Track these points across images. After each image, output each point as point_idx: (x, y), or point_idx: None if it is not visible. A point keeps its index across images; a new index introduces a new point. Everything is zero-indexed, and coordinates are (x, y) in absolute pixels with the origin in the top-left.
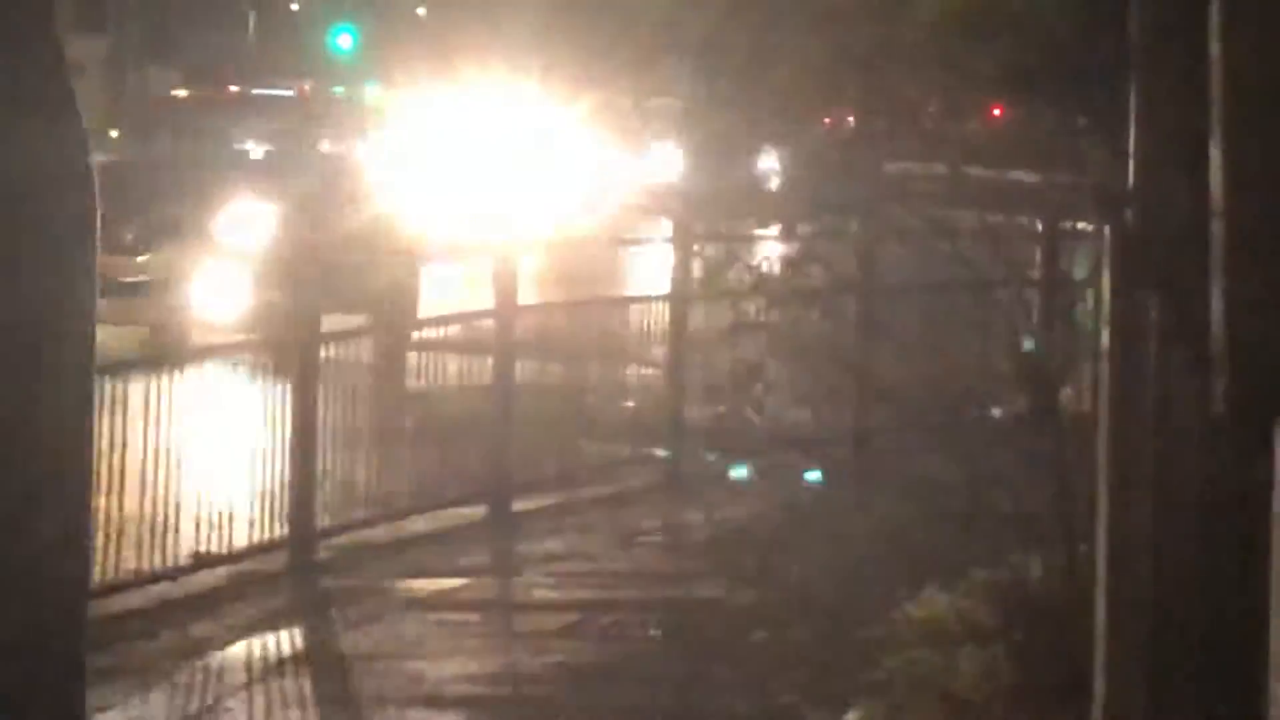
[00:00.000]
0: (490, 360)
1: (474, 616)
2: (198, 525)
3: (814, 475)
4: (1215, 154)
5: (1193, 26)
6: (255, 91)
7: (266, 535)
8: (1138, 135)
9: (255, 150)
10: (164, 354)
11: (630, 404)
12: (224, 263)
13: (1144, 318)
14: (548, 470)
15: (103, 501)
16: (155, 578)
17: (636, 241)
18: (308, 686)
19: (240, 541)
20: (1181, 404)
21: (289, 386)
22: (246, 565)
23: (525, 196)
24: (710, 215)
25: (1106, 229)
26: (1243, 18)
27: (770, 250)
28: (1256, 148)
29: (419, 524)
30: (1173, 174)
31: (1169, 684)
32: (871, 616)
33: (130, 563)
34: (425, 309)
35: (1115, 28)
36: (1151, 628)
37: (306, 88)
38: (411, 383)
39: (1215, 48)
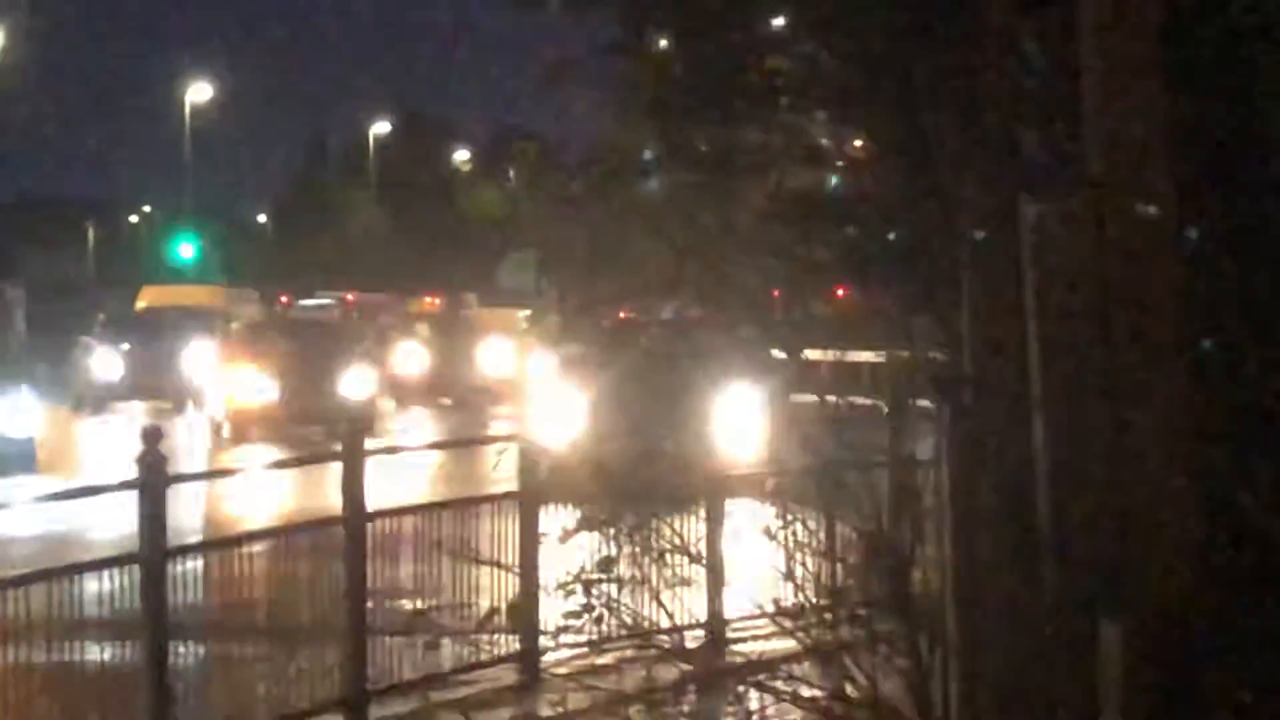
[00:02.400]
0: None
1: None
2: None
3: None
4: (1031, 353)
5: (1015, 221)
6: None
7: None
8: (969, 322)
9: None
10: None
11: (486, 603)
12: None
13: (980, 501)
14: (405, 674)
15: None
16: None
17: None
18: None
19: None
20: (1014, 588)
21: (138, 604)
22: None
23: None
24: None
25: (944, 411)
26: (1046, 243)
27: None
28: (1066, 342)
29: None
30: (1002, 362)
31: None
32: None
33: None
34: (279, 513)
35: (944, 215)
36: None
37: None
38: (262, 590)
39: (1026, 269)
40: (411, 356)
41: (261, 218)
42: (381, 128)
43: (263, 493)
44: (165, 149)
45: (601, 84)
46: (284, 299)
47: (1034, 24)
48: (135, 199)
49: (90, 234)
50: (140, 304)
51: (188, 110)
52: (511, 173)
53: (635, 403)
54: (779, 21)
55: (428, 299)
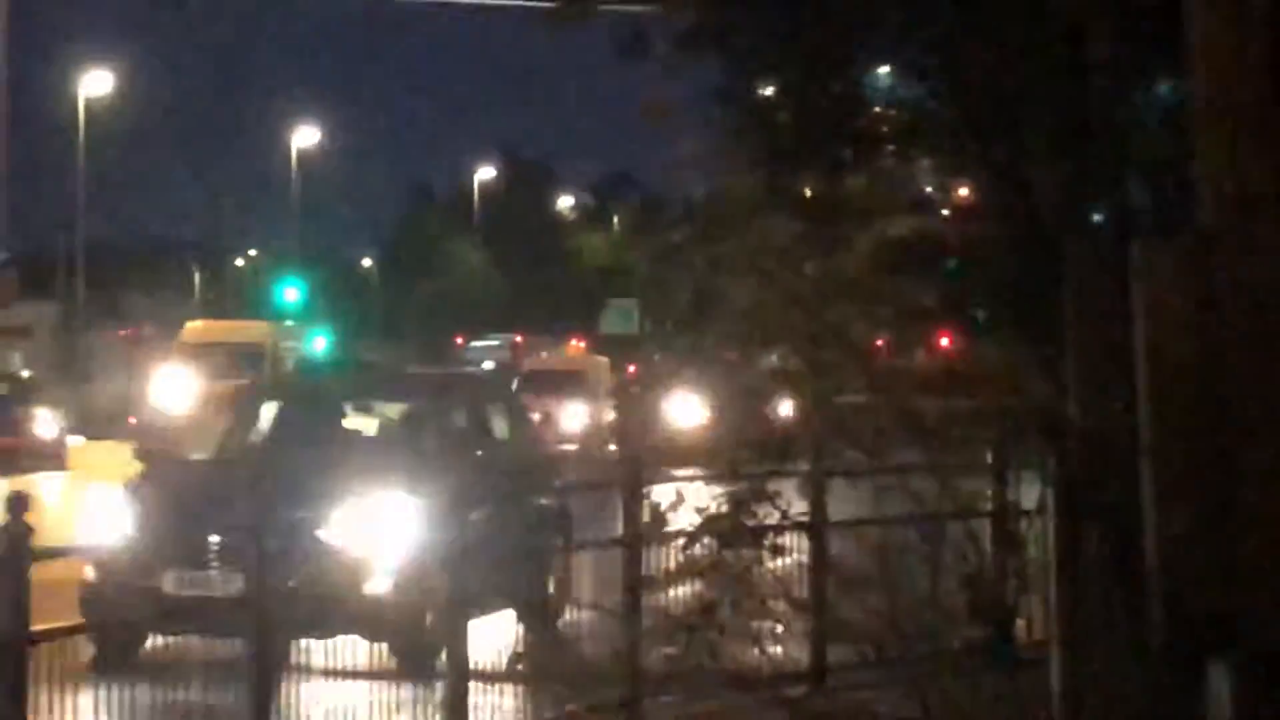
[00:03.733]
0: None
1: None
2: None
3: None
4: (1140, 399)
5: (1122, 268)
6: None
7: None
8: (1075, 369)
9: None
10: None
11: (588, 650)
12: None
13: (1087, 549)
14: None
15: None
16: None
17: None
18: None
19: None
20: (1122, 635)
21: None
22: None
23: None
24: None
25: (1050, 460)
26: (1158, 265)
27: (718, 490)
28: (1177, 387)
29: None
30: (1109, 407)
31: None
32: None
33: None
34: None
35: (1049, 262)
36: None
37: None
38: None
39: (1136, 314)
40: (687, 406)
41: (366, 262)
42: (486, 173)
43: None
44: (271, 193)
45: (707, 131)
46: (459, 340)
47: (1139, 63)
48: (241, 242)
49: (196, 276)
50: (184, 341)
51: (294, 155)
52: (615, 219)
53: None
54: (884, 70)
55: (573, 341)
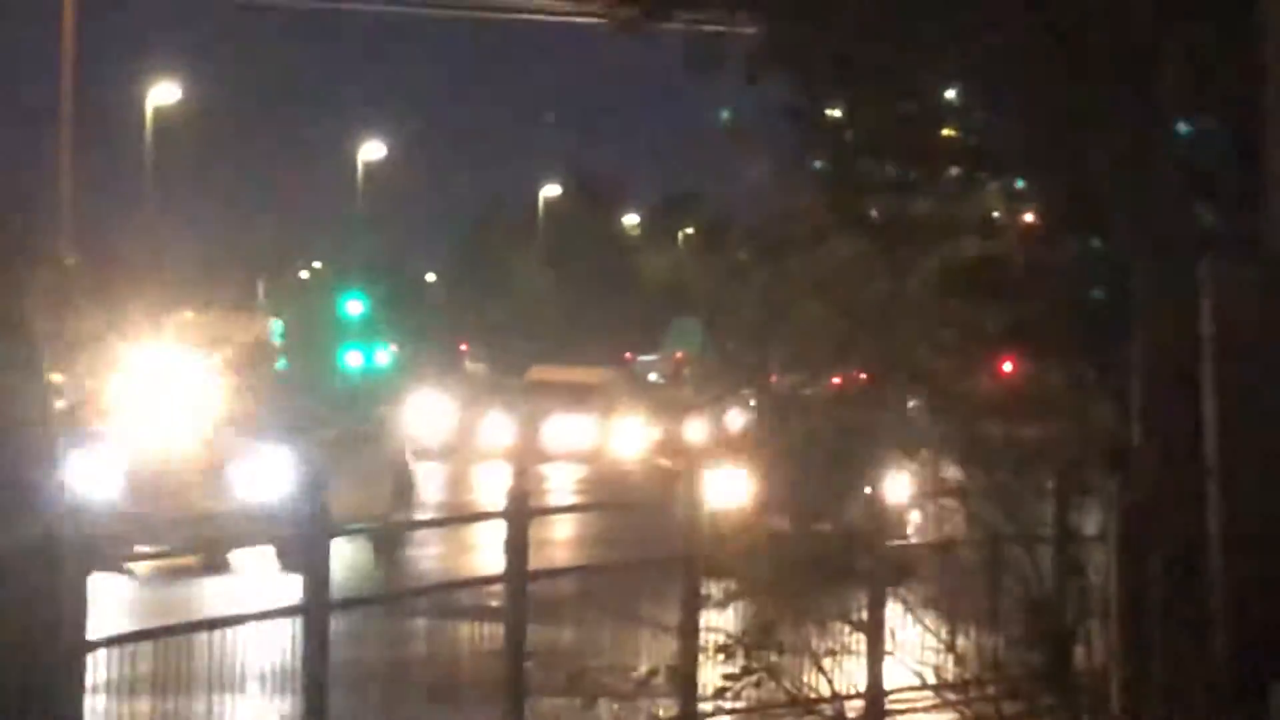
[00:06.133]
0: (502, 625)
1: None
2: None
3: None
4: (1207, 421)
5: (1190, 290)
6: None
7: None
8: (1141, 393)
9: None
10: None
11: (644, 665)
12: None
13: (1149, 573)
14: None
15: None
16: None
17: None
18: None
19: None
20: (1184, 659)
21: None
22: None
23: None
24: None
25: (1113, 485)
26: (1228, 288)
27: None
28: (1246, 409)
29: None
30: (1174, 432)
31: None
32: None
33: None
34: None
35: (1115, 288)
36: None
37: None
38: (421, 648)
39: (1205, 336)
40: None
41: (430, 276)
42: (551, 190)
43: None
44: (336, 207)
45: (774, 150)
46: (627, 356)
47: (1208, 94)
48: (305, 254)
49: (260, 288)
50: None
51: (359, 169)
52: (680, 237)
53: (803, 475)
54: (952, 91)
55: (678, 354)
